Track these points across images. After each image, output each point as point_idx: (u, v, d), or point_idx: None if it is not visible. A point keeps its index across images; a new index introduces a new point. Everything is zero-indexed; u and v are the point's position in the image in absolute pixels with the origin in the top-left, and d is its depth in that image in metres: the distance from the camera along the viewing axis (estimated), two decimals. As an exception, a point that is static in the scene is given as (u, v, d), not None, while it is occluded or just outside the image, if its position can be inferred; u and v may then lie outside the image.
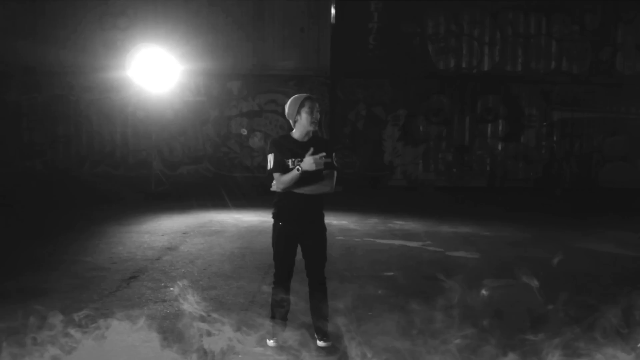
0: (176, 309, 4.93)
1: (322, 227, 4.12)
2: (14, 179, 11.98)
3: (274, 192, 4.07)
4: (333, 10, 12.79)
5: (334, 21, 12.81)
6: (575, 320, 4.14)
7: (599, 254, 7.32)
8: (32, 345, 3.86)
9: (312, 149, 3.91)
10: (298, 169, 3.85)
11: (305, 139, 4.00)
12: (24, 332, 4.04)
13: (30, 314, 4.36)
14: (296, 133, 4.02)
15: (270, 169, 3.98)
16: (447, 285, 4.91)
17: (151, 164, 12.83)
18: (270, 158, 3.97)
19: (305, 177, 3.92)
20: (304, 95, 4.05)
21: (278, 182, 3.96)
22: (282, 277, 4.12)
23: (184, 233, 8.31)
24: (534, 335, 3.93)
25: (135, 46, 12.01)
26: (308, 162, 3.84)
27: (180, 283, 5.69)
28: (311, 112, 3.96)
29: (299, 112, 3.97)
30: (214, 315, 4.73)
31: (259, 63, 12.77)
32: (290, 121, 4.06)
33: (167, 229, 8.58)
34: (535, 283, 4.34)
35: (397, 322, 4.54)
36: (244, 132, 12.87)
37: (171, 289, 5.51)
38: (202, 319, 4.65)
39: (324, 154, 3.87)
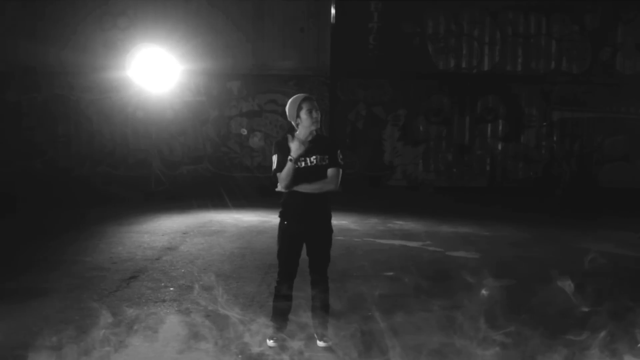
0: (176, 308, 4.93)
1: (328, 228, 4.15)
2: (14, 179, 11.97)
3: (280, 192, 4.10)
4: (333, 10, 12.78)
5: (334, 21, 12.80)
6: (615, 320, 4.09)
7: (599, 254, 7.31)
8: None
9: (327, 161, 3.98)
10: (290, 160, 3.88)
11: (309, 138, 4.03)
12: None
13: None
14: (300, 134, 4.04)
15: (274, 170, 4.01)
16: (467, 284, 4.93)
17: (151, 164, 12.82)
18: (274, 159, 4.02)
19: (308, 175, 3.95)
20: (301, 96, 4.06)
21: (279, 181, 3.99)
22: (285, 277, 4.13)
23: (184, 233, 8.31)
24: (575, 336, 3.91)
25: (135, 46, 11.99)
26: (293, 148, 3.89)
27: (179, 283, 5.70)
28: (310, 113, 3.98)
29: (298, 115, 4.00)
30: (214, 315, 4.73)
31: (258, 63, 12.76)
32: (293, 123, 4.09)
33: (167, 229, 8.58)
34: (570, 284, 4.32)
35: (410, 321, 4.53)
36: (244, 132, 12.85)
37: (171, 289, 5.51)
38: (202, 319, 4.65)
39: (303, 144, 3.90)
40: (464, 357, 3.86)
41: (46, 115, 12.72)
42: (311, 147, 3.98)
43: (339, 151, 4.08)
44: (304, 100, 4.01)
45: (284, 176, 3.94)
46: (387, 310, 4.79)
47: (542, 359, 3.80)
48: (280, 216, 4.13)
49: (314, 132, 4.04)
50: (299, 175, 3.95)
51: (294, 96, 4.12)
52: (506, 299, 4.98)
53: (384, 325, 4.36)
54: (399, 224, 9.41)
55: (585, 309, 4.18)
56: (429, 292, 5.37)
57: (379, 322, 4.45)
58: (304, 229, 4.06)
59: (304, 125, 4.00)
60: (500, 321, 4.20)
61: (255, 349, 4.03)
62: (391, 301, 5.10)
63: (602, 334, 3.80)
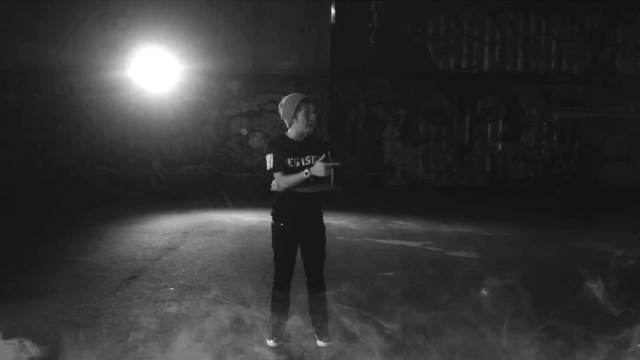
0: (176, 309, 4.93)
1: (321, 226, 4.14)
2: (14, 179, 11.97)
3: (273, 192, 4.08)
4: (333, 10, 12.78)
5: (334, 21, 12.80)
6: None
7: (599, 254, 7.32)
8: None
9: (324, 155, 3.97)
10: (306, 173, 3.88)
11: (301, 139, 4.05)
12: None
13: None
14: (292, 133, 4.06)
15: (271, 169, 4.00)
16: (470, 284, 4.88)
17: (151, 164, 12.82)
18: (269, 158, 4.00)
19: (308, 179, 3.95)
20: (299, 96, 4.06)
21: (280, 181, 3.98)
22: (282, 277, 4.13)
23: (184, 233, 8.31)
24: (611, 335, 3.88)
25: (135, 46, 11.99)
26: (318, 169, 3.88)
27: (179, 283, 5.70)
28: (307, 115, 3.99)
29: (295, 115, 4.00)
30: (213, 315, 4.73)
31: (258, 63, 12.76)
32: (286, 121, 4.08)
33: (167, 229, 8.58)
34: (600, 285, 4.29)
35: (427, 321, 4.52)
36: (244, 132, 12.86)
37: (171, 289, 5.51)
38: (202, 319, 4.66)
39: (335, 164, 3.92)
40: (501, 356, 3.84)
41: (46, 115, 12.72)
42: (306, 147, 4.01)
43: (329, 152, 4.09)
44: (302, 101, 4.02)
45: (292, 182, 3.93)
46: (399, 310, 4.78)
47: (583, 356, 3.78)
48: (274, 218, 4.11)
49: (305, 134, 4.05)
50: (305, 181, 3.96)
51: (292, 94, 4.12)
52: (523, 298, 4.87)
53: (403, 325, 4.36)
54: (399, 224, 9.40)
55: (613, 309, 4.12)
56: (435, 292, 5.37)
57: (397, 322, 4.43)
58: (299, 229, 4.06)
59: (298, 126, 4.01)
60: (529, 320, 4.19)
61: (255, 349, 4.04)
62: (397, 301, 5.08)
63: (637, 332, 3.77)
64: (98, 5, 12.60)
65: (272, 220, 4.12)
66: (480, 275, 5.71)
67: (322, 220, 4.15)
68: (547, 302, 5.04)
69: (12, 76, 12.57)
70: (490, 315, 4.36)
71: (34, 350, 3.58)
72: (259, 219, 9.51)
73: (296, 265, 4.18)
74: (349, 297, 5.19)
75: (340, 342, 4.14)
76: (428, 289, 5.51)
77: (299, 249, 4.15)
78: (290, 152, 3.98)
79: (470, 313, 4.57)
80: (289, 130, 4.07)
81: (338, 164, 4.00)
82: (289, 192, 3.98)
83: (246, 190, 11.98)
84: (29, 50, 12.39)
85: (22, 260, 6.54)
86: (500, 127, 13.19)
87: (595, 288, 4.24)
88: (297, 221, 4.04)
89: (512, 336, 3.98)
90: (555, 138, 13.22)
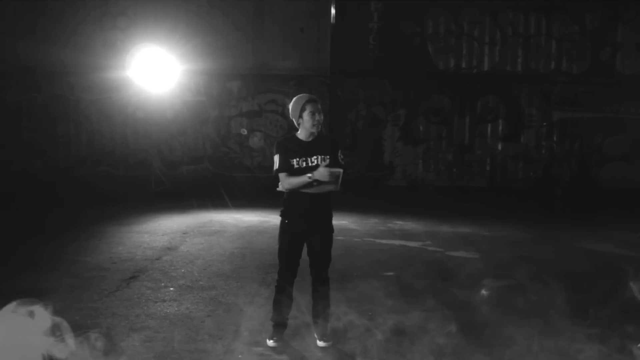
0: (176, 309, 4.93)
1: (329, 228, 4.17)
2: (14, 179, 11.97)
3: (282, 191, 4.13)
4: (333, 10, 12.78)
5: (334, 21, 12.79)
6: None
7: (599, 254, 7.32)
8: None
9: (327, 161, 3.97)
10: (309, 177, 3.90)
11: (310, 139, 4.06)
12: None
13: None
14: (301, 133, 4.09)
15: (276, 169, 4.03)
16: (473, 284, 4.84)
17: (151, 164, 12.82)
18: (276, 159, 4.05)
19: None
20: (305, 97, 4.07)
21: (284, 182, 4.03)
22: (285, 276, 4.13)
23: (184, 233, 8.31)
24: None
25: (135, 46, 11.98)
26: (321, 174, 3.89)
27: (179, 283, 5.70)
28: (313, 115, 4.00)
29: (301, 115, 4.02)
30: (213, 315, 4.73)
31: (258, 63, 12.76)
32: (295, 122, 4.10)
33: (167, 229, 8.57)
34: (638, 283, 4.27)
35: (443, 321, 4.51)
36: (244, 132, 12.85)
37: (171, 289, 5.51)
38: (202, 319, 4.66)
39: (340, 170, 3.89)
40: (563, 353, 3.82)
41: (46, 115, 12.72)
42: (313, 147, 4.02)
43: (340, 151, 4.09)
44: (308, 101, 4.03)
45: (295, 184, 3.96)
46: (404, 310, 4.78)
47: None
48: (281, 215, 4.15)
49: (315, 133, 4.06)
50: (301, 175, 3.97)
51: (299, 95, 4.14)
52: (556, 296, 4.81)
53: (412, 324, 4.34)
54: (399, 224, 9.41)
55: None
56: (443, 291, 5.35)
57: (408, 322, 4.41)
58: (305, 228, 4.08)
59: (305, 127, 4.03)
60: (570, 317, 4.16)
61: (256, 349, 4.03)
62: (400, 301, 5.09)
63: None
64: (98, 5, 12.60)
65: (280, 217, 4.16)
66: (484, 275, 5.72)
67: (330, 221, 4.18)
68: (574, 301, 4.97)
69: (12, 76, 12.57)
70: (523, 313, 4.31)
71: (98, 342, 3.59)
72: (259, 219, 9.52)
73: (301, 265, 4.18)
74: (349, 297, 5.20)
75: (340, 342, 4.14)
76: (433, 289, 5.49)
77: (304, 251, 4.16)
78: (297, 152, 3.99)
79: (497, 312, 4.53)
80: (299, 131, 4.09)
81: (341, 170, 3.96)
82: (295, 191, 4.01)
83: (246, 190, 11.97)
84: (29, 50, 12.38)
85: (22, 260, 6.54)
86: (500, 127, 13.18)
87: (636, 289, 4.21)
88: (303, 220, 4.06)
89: (563, 334, 3.94)
90: (555, 138, 13.21)
